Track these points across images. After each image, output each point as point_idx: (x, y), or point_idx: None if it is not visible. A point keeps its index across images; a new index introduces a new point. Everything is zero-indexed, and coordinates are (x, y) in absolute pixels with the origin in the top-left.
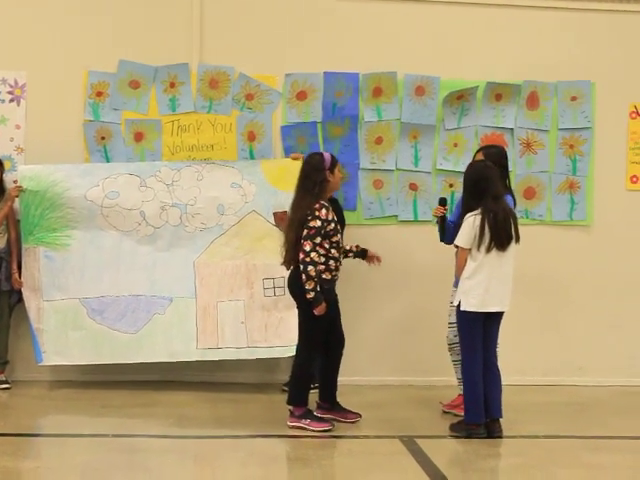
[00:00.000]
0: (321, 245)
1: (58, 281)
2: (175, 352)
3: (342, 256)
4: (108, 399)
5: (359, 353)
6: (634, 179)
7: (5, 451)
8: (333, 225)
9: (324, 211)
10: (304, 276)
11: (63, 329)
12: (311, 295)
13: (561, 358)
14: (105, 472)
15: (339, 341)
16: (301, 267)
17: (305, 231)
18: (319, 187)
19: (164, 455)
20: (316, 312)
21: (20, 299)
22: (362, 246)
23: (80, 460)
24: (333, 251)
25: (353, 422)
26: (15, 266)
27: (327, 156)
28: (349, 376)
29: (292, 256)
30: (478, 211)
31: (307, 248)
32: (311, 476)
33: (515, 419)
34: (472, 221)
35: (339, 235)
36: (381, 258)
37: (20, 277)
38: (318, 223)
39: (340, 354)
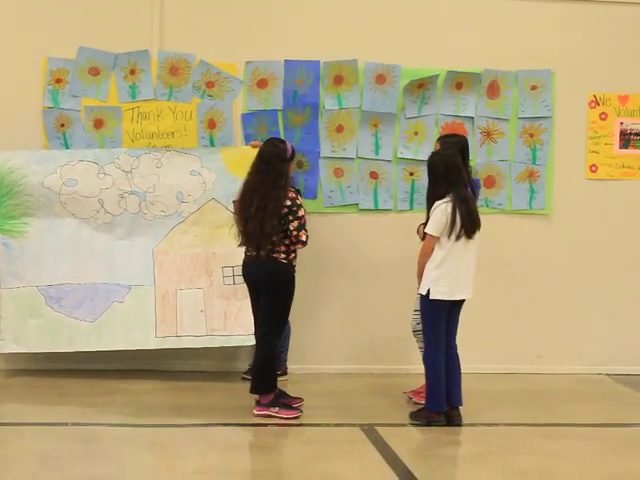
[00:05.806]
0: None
1: (16, 268)
2: (134, 340)
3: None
4: (66, 387)
5: (317, 341)
6: (593, 168)
7: None
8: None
9: (300, 198)
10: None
11: (21, 317)
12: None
13: (520, 346)
14: (63, 460)
15: None
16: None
17: (296, 222)
18: (285, 179)
19: (123, 444)
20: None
21: None
22: None
23: (38, 448)
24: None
25: (298, 406)
26: None
27: (289, 147)
28: (308, 364)
29: (265, 245)
30: (448, 198)
31: (304, 238)
32: (271, 464)
33: (474, 407)
34: (444, 208)
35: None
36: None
37: None
38: (303, 211)
39: None
